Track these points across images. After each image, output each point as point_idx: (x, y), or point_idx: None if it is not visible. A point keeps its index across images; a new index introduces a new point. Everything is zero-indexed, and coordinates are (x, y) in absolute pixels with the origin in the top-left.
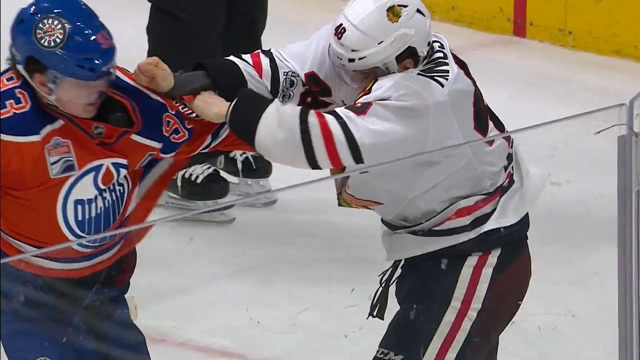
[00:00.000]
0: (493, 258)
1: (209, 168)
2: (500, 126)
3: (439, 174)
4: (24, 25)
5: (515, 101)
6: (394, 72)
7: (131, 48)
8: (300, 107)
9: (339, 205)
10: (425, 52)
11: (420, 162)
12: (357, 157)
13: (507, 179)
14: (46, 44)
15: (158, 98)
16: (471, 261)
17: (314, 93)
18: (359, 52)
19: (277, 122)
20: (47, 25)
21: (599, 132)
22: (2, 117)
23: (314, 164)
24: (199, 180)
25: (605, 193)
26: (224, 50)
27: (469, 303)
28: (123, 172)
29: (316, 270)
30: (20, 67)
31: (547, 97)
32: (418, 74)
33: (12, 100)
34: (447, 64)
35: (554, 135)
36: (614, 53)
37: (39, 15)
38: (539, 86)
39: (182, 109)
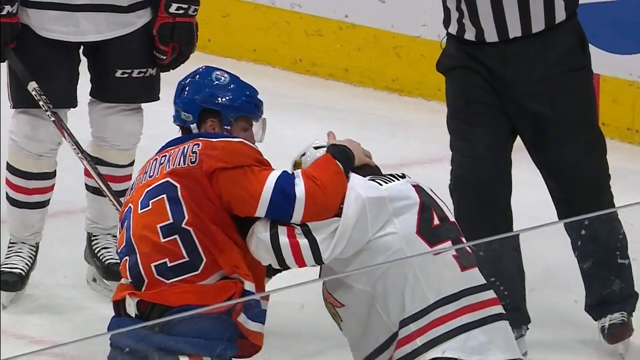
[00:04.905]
0: None
1: None
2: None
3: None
4: (193, 85)
5: None
6: None
7: None
8: None
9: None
10: None
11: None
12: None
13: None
14: (220, 90)
15: None
16: None
17: None
18: None
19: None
20: (215, 76)
21: None
22: None
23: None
24: None
25: None
26: None
27: None
28: None
29: None
30: (193, 126)
31: (617, 187)
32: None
33: None
34: (397, 180)
35: (624, 219)
36: None
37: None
38: (611, 178)
39: None
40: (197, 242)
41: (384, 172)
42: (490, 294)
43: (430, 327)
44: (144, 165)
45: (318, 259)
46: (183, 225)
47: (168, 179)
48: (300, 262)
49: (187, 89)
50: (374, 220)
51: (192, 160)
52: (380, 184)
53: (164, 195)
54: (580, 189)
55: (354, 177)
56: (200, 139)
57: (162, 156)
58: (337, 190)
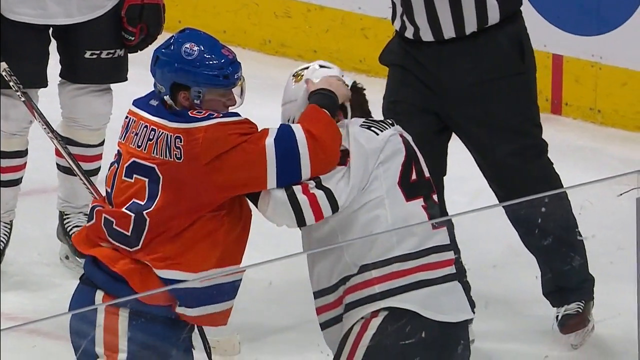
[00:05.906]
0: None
1: None
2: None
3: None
4: (164, 58)
5: None
6: None
7: None
8: None
9: None
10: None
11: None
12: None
13: (437, 268)
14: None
15: None
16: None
17: None
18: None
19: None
20: (184, 51)
21: (621, 195)
22: None
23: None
24: None
25: (625, 246)
26: None
27: None
28: None
29: None
30: (167, 98)
31: (580, 166)
32: (361, 125)
33: None
34: (388, 127)
35: (584, 197)
36: (637, 129)
37: (173, 47)
38: (573, 156)
39: None
40: (145, 231)
41: None
42: (451, 255)
43: (391, 277)
44: (132, 119)
45: (334, 205)
46: (144, 212)
47: (155, 167)
48: (319, 215)
49: (158, 61)
50: (372, 169)
51: (177, 156)
52: (377, 134)
53: (147, 180)
54: (515, 190)
55: (353, 126)
56: (180, 127)
57: (152, 130)
58: (333, 139)
